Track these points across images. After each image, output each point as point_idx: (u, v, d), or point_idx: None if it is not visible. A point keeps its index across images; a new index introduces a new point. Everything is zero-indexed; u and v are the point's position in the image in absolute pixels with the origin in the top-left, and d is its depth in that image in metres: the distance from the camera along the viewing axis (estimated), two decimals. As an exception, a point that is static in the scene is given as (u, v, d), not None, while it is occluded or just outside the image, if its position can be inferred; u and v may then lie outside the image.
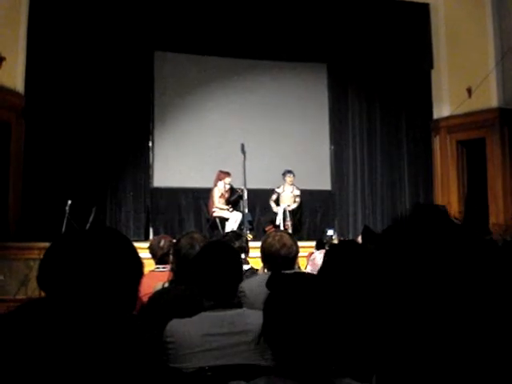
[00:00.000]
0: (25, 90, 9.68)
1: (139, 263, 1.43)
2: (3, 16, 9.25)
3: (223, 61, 11.49)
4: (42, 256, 1.44)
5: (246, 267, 4.21)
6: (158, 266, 4.52)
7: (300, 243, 4.90)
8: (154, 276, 4.15)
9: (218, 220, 10.49)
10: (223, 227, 10.38)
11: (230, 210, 10.61)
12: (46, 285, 1.36)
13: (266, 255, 3.57)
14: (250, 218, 10.50)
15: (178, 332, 2.43)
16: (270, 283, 1.73)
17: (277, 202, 11.03)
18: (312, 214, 11.85)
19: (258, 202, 11.25)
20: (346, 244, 2.76)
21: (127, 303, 1.39)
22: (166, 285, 3.55)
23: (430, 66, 11.99)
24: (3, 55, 9.15)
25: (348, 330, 1.77)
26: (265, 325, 1.70)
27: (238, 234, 4.54)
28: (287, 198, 10.96)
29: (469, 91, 11.03)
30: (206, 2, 10.59)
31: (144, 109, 11.01)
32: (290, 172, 10.88)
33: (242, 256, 4.28)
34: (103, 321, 1.10)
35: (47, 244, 1.47)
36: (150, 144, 11.13)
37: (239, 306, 2.69)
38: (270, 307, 1.71)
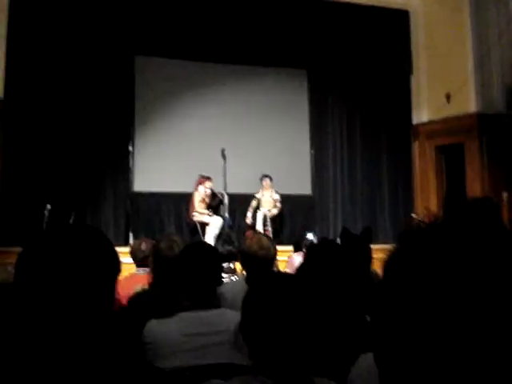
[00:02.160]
0: (4, 94, 9.62)
1: (115, 258, 1.44)
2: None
3: (204, 66, 11.50)
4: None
5: (233, 278, 4.10)
6: (138, 268, 4.51)
7: (280, 247, 4.91)
8: (135, 278, 4.15)
9: (198, 225, 10.47)
10: (203, 232, 10.37)
11: (211, 214, 10.60)
12: (23, 282, 1.35)
13: (244, 257, 3.59)
14: (230, 223, 10.48)
15: (157, 332, 2.44)
16: (249, 279, 1.75)
17: (257, 208, 11.05)
18: (292, 218, 11.88)
19: (239, 207, 11.25)
20: (325, 243, 2.78)
21: (104, 300, 1.39)
22: (146, 287, 3.55)
23: (410, 71, 12.10)
24: (-18, 59, 9.11)
25: (324, 329, 1.78)
26: (243, 321, 1.71)
27: (230, 239, 4.48)
28: (267, 203, 10.98)
29: (447, 97, 11.14)
30: (186, 7, 10.61)
31: (125, 113, 10.98)
32: (266, 176, 10.93)
33: (231, 265, 4.25)
34: (80, 316, 1.09)
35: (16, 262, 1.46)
36: (131, 148, 11.08)
37: (218, 306, 2.70)
38: (248, 303, 1.72)
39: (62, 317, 1.00)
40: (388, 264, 0.83)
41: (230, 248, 4.35)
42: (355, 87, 12.08)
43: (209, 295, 2.62)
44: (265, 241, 3.52)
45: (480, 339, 0.72)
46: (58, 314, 1.00)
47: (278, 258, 4.35)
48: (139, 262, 4.55)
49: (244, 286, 2.76)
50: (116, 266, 1.43)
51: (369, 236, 4.02)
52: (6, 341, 0.87)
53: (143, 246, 4.59)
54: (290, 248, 8.37)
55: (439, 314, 0.73)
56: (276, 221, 11.07)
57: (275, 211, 10.98)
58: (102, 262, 1.38)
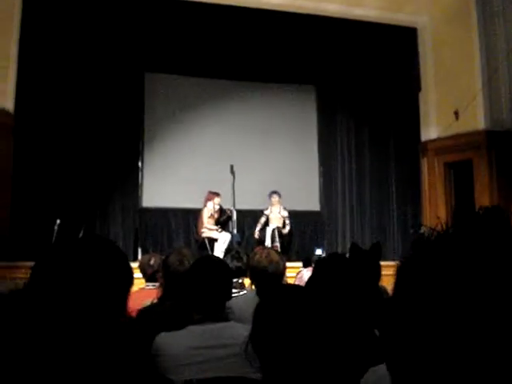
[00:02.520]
0: (14, 108, 9.69)
1: (129, 269, 1.45)
2: (-6, 36, 9.30)
3: (213, 82, 11.58)
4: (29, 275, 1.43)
5: (242, 293, 4.10)
6: (147, 283, 4.51)
7: (288, 264, 4.91)
8: (144, 293, 4.15)
9: (206, 240, 10.49)
10: (212, 248, 10.38)
11: (219, 230, 10.61)
12: (35, 289, 1.37)
13: (253, 272, 3.59)
14: (238, 239, 10.49)
15: (166, 345, 2.44)
16: (261, 291, 1.76)
17: (265, 224, 11.06)
18: (301, 234, 11.87)
19: (247, 223, 11.27)
20: (335, 257, 2.79)
21: (116, 311, 1.40)
22: (155, 301, 3.56)
23: (418, 88, 12.10)
24: (-6, 75, 9.19)
25: (334, 341, 1.78)
26: (253, 331, 1.72)
27: (239, 255, 4.47)
28: (275, 219, 10.99)
29: (456, 114, 11.13)
30: (196, 24, 10.68)
31: (134, 129, 11.06)
32: (274, 193, 10.94)
33: (240, 281, 4.26)
34: (91, 326, 1.09)
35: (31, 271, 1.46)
36: (140, 164, 11.15)
37: (227, 320, 2.70)
38: (259, 314, 1.73)
39: (73, 325, 1.01)
40: (400, 273, 0.84)
41: (239, 264, 4.35)
42: (364, 104, 12.12)
43: (218, 308, 2.63)
44: (274, 255, 3.53)
45: (495, 348, 0.72)
46: (68, 322, 1.01)
47: (287, 274, 4.34)
48: (148, 276, 4.55)
49: (252, 300, 2.76)
50: (129, 277, 1.44)
51: (378, 252, 4.02)
52: (13, 349, 0.87)
53: (152, 261, 4.59)
54: (299, 264, 8.35)
55: (451, 322, 0.74)
56: (285, 237, 11.07)
57: (287, 228, 11.00)
58: (116, 273, 1.39)
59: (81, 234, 9.02)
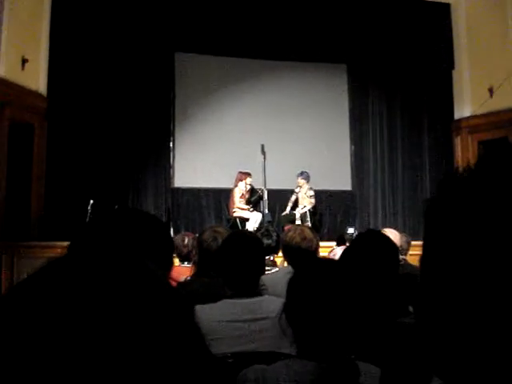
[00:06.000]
0: (47, 91, 9.80)
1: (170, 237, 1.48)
2: (26, 19, 9.37)
3: (243, 62, 11.54)
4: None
5: (274, 270, 4.08)
6: (181, 262, 4.54)
7: (320, 243, 4.89)
8: (178, 271, 4.18)
9: (238, 220, 10.52)
10: (243, 227, 10.40)
11: (251, 210, 10.64)
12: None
13: (286, 248, 3.59)
14: (269, 219, 10.50)
15: (201, 318, 2.45)
16: (296, 263, 1.77)
17: (296, 204, 11.02)
18: (332, 214, 11.83)
19: (278, 203, 11.25)
20: (372, 233, 2.77)
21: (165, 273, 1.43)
22: (189, 278, 3.59)
23: (451, 65, 11.92)
24: (26, 57, 9.27)
25: (367, 315, 1.78)
26: (287, 302, 1.73)
27: (269, 233, 4.45)
28: (303, 199, 10.92)
29: (490, 91, 10.96)
30: (226, 3, 10.64)
31: (165, 109, 11.08)
32: (300, 174, 10.81)
33: (271, 258, 4.26)
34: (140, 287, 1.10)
35: (69, 243, 1.50)
36: (171, 144, 11.19)
37: (261, 294, 2.71)
38: (293, 285, 1.74)
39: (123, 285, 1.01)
40: (428, 216, 0.78)
41: (269, 241, 4.34)
42: (396, 82, 11.98)
43: (252, 283, 2.64)
44: (307, 232, 3.53)
45: None
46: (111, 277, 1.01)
47: (320, 254, 4.34)
48: (183, 256, 4.58)
49: (285, 277, 2.77)
50: (171, 243, 1.47)
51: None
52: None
53: (186, 241, 4.62)
54: (330, 244, 8.31)
55: (486, 265, 0.69)
56: (315, 216, 11.02)
57: (309, 207, 10.84)
58: (162, 240, 1.42)
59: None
